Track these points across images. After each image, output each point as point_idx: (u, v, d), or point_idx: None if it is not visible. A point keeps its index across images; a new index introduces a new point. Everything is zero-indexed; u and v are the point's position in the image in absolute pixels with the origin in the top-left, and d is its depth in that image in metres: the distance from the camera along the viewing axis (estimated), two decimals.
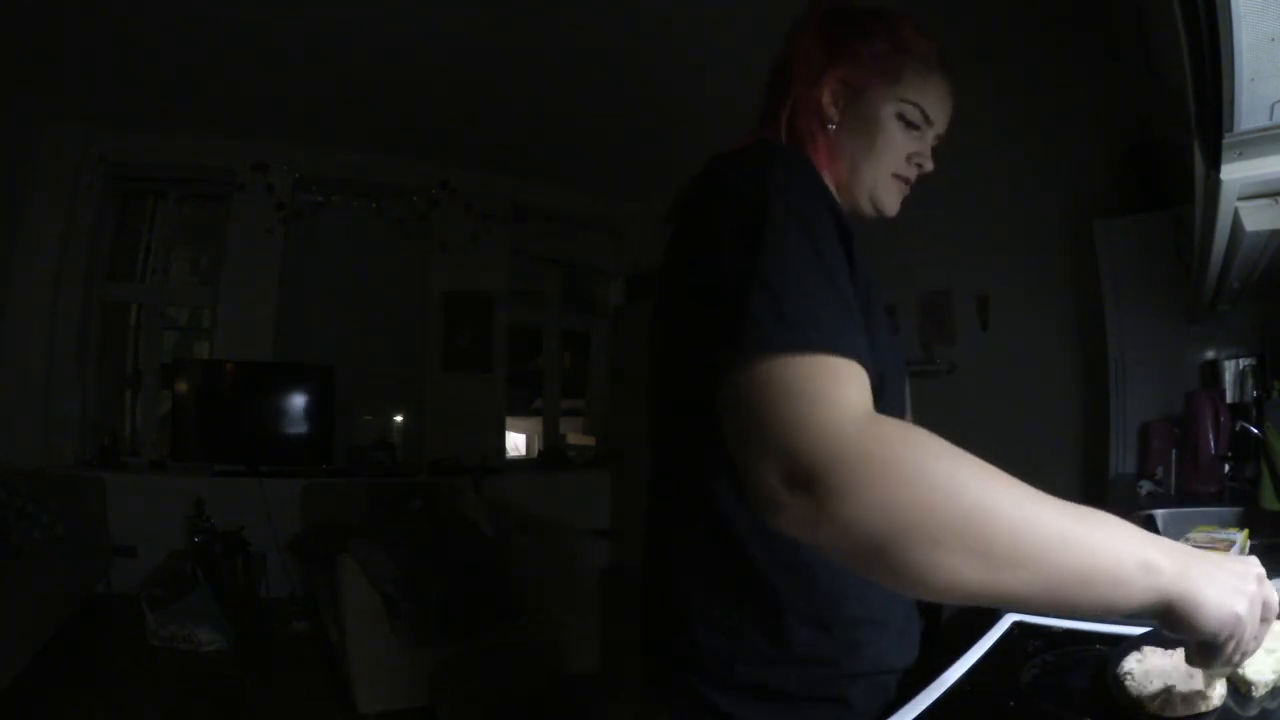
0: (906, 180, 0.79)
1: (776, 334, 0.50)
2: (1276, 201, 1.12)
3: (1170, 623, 0.49)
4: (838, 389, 0.49)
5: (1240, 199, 1.12)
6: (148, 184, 4.25)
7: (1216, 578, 0.48)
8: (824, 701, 0.67)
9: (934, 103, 0.77)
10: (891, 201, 0.79)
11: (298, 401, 4.16)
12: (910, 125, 0.76)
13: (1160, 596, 0.47)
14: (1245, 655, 0.51)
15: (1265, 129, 0.92)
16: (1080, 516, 0.47)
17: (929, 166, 0.79)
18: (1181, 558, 0.49)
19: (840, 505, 0.45)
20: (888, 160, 0.77)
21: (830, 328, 0.51)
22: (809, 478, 0.46)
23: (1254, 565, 0.51)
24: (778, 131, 0.76)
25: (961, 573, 0.44)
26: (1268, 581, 0.51)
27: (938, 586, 0.45)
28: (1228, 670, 0.55)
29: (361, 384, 4.55)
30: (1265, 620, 0.51)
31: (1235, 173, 1.02)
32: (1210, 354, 2.32)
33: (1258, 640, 0.51)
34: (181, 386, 4.02)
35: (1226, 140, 0.95)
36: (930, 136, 0.78)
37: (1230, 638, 0.49)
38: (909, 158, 0.77)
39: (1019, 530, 0.45)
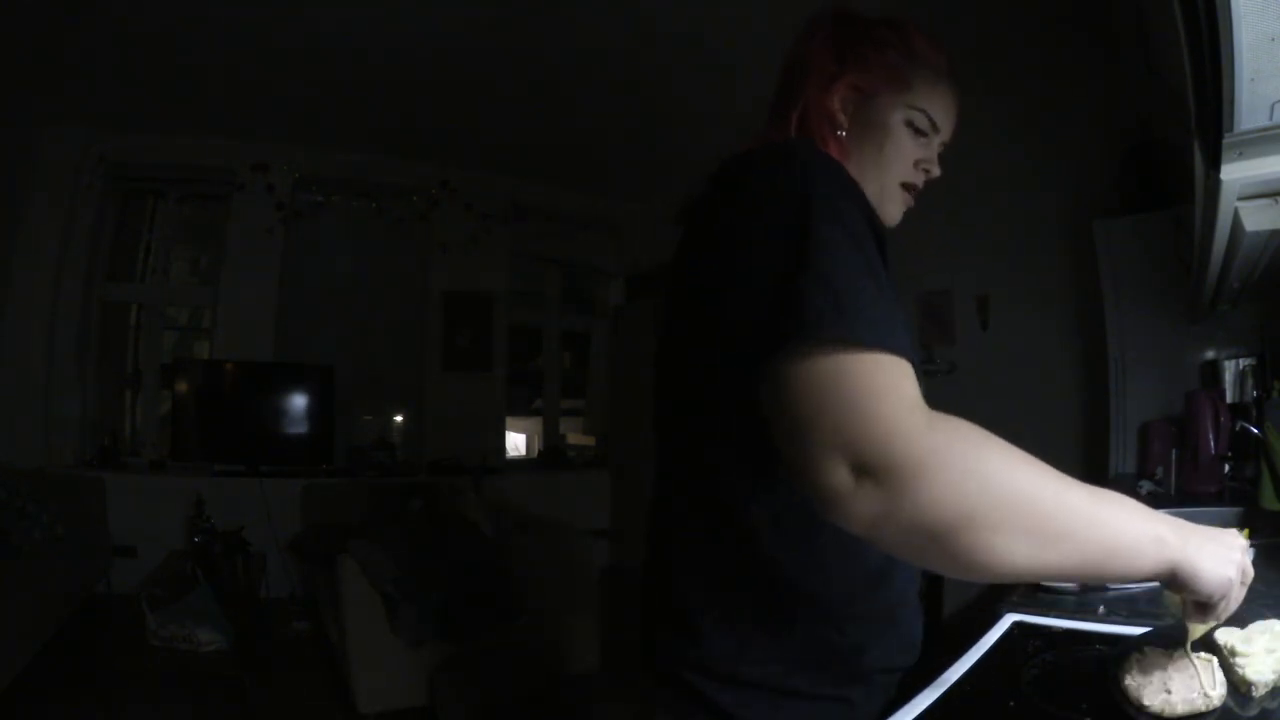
0: (914, 188, 0.80)
1: (839, 327, 0.51)
2: (1276, 201, 1.12)
3: (1174, 585, 0.57)
4: (901, 385, 0.51)
5: (1240, 199, 1.12)
6: (148, 184, 4.25)
7: (1211, 549, 0.57)
8: (828, 700, 0.67)
9: (941, 110, 0.78)
10: (894, 211, 0.80)
11: (298, 401, 4.15)
12: (918, 132, 0.77)
13: (1168, 565, 0.55)
14: (1228, 613, 0.60)
15: (1265, 129, 0.92)
16: (1104, 498, 0.54)
17: (936, 172, 0.80)
18: (1183, 531, 0.57)
19: (909, 497, 0.47)
20: (896, 166, 0.77)
21: (885, 324, 0.52)
22: (880, 470, 0.48)
23: (1238, 538, 0.60)
24: (788, 135, 0.77)
25: (1015, 553, 0.49)
26: (1246, 552, 0.61)
27: (992, 567, 0.49)
28: (1217, 625, 0.62)
29: (361, 384, 4.55)
30: (1243, 585, 0.60)
31: (1235, 173, 1.02)
32: (1210, 354, 2.31)
33: (1238, 601, 0.60)
34: (181, 386, 4.02)
35: (1226, 140, 0.95)
36: (936, 143, 0.80)
37: (1223, 598, 0.58)
38: (916, 164, 0.78)
39: (1060, 513, 0.50)
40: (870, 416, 0.48)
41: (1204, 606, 0.59)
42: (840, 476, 0.48)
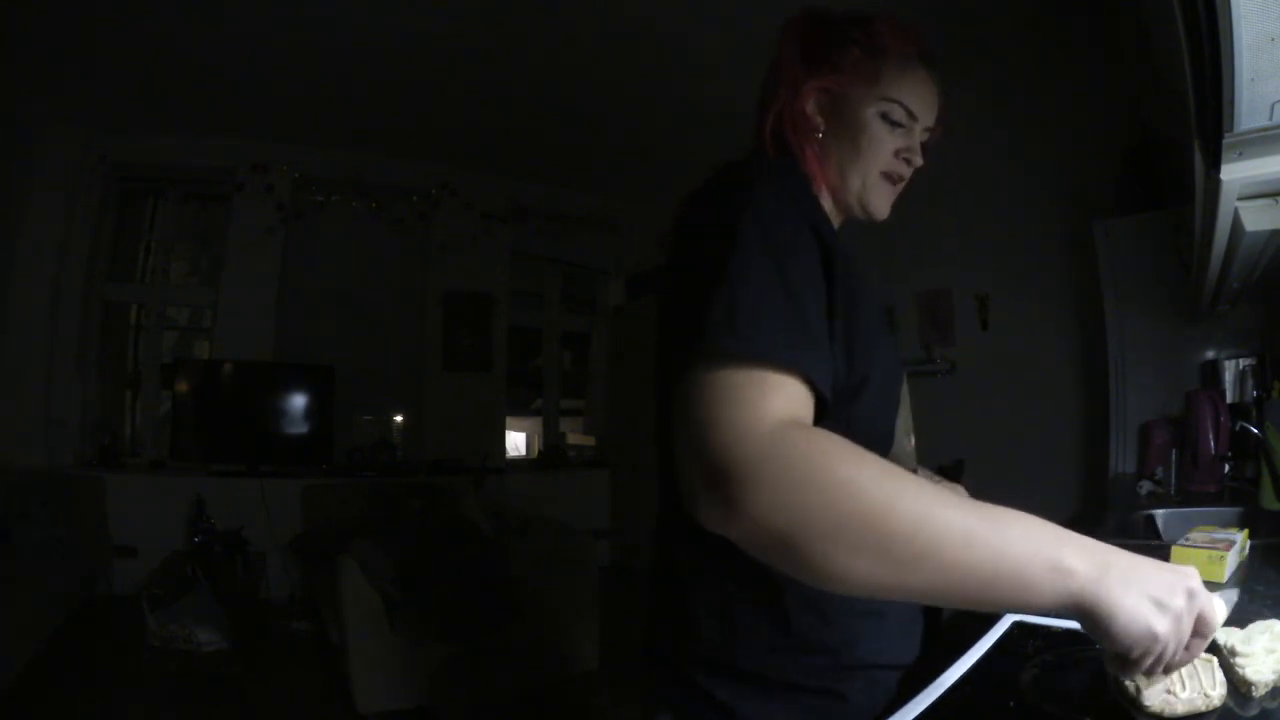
0: (898, 178, 0.80)
1: (721, 343, 0.54)
2: (1276, 202, 1.12)
3: (1086, 628, 0.49)
4: (762, 397, 0.52)
5: (1240, 199, 1.12)
6: (148, 184, 4.25)
7: (1137, 588, 0.47)
8: (821, 693, 0.68)
9: (916, 99, 0.77)
10: (880, 204, 0.80)
11: (298, 401, 4.16)
12: (894, 123, 0.77)
13: (1070, 600, 0.47)
14: (1171, 669, 0.50)
15: (1265, 129, 0.92)
16: (991, 517, 0.48)
17: (918, 161, 0.80)
18: (1101, 562, 0.48)
19: (746, 504, 0.49)
20: (875, 160, 0.77)
21: (776, 341, 0.54)
22: (720, 477, 0.50)
23: (1188, 578, 0.50)
24: (765, 140, 0.78)
25: (859, 569, 0.47)
26: (1204, 595, 0.50)
27: (840, 581, 0.48)
28: (1155, 681, 0.54)
29: (361, 384, 4.55)
30: (1199, 635, 0.50)
31: (1235, 173, 1.02)
32: (1210, 354, 2.31)
33: (1190, 652, 0.50)
34: (181, 386, 4.02)
35: (1226, 140, 0.95)
36: (917, 131, 0.79)
37: (1145, 653, 0.48)
38: (897, 153, 0.78)
39: (917, 530, 0.47)
40: (717, 426, 0.51)
41: (1123, 660, 0.49)
42: (693, 480, 0.52)
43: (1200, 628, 0.49)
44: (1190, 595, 0.49)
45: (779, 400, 0.53)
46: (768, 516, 0.48)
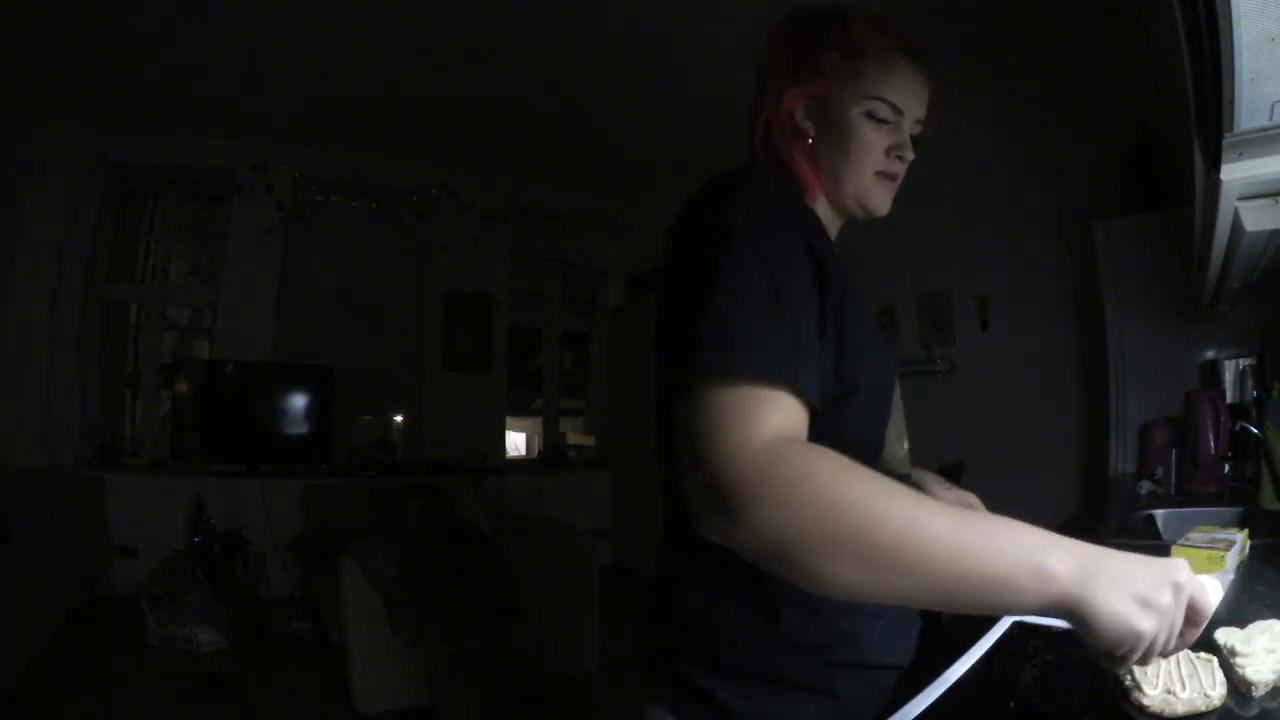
0: (893, 176, 0.79)
1: (716, 360, 0.55)
2: (1276, 202, 1.12)
3: (1074, 626, 0.51)
4: (755, 414, 0.54)
5: (1240, 199, 1.12)
6: (148, 184, 4.25)
7: (1121, 589, 0.49)
8: (814, 691, 0.68)
9: (902, 93, 0.76)
10: (879, 201, 0.79)
11: (298, 401, 4.15)
12: (881, 121, 0.76)
13: (1053, 603, 0.50)
14: (1167, 656, 0.53)
15: (1265, 129, 0.92)
16: (979, 525, 0.51)
17: (910, 156, 0.78)
18: (1085, 565, 0.50)
19: (744, 518, 0.51)
20: (865, 162, 0.76)
21: (768, 357, 0.56)
22: (719, 494, 0.52)
23: (1176, 572, 0.51)
24: (755, 147, 0.78)
25: (851, 578, 0.50)
26: (1194, 583, 0.51)
27: (834, 588, 0.51)
28: (1154, 681, 0.58)
29: (361, 384, 4.55)
30: (1192, 623, 0.52)
31: (1235, 173, 1.02)
32: (1210, 354, 2.31)
33: (1184, 640, 0.52)
34: (181, 386, 4.02)
35: (1226, 140, 0.96)
36: (906, 125, 0.77)
37: (1130, 650, 0.50)
38: (888, 151, 0.77)
39: (904, 540, 0.49)
40: (715, 443, 0.53)
41: (1110, 655, 0.51)
42: (696, 494, 0.54)
43: (1193, 616, 0.52)
44: (1177, 589, 0.50)
45: (772, 416, 0.54)
46: (764, 531, 0.51)
